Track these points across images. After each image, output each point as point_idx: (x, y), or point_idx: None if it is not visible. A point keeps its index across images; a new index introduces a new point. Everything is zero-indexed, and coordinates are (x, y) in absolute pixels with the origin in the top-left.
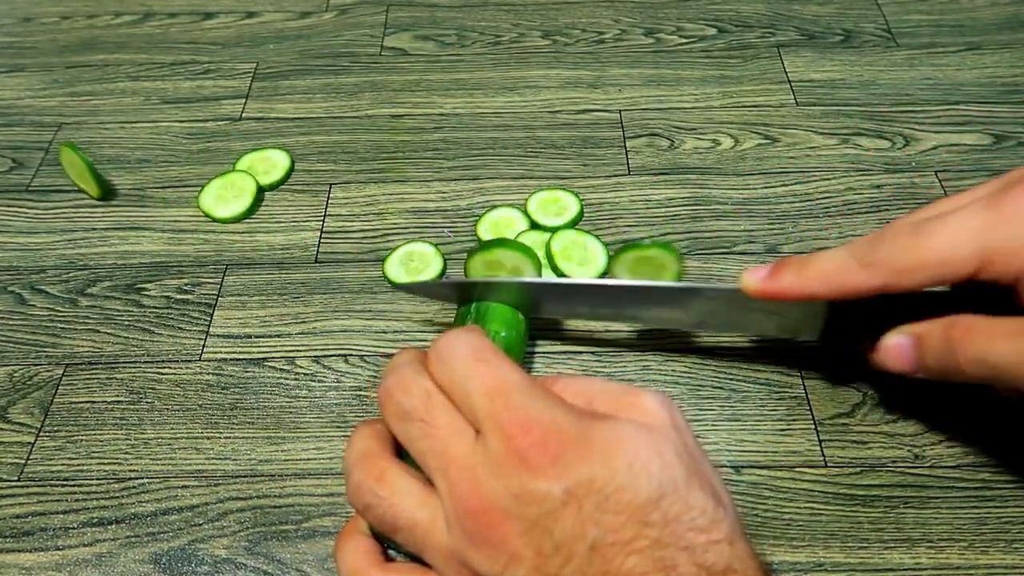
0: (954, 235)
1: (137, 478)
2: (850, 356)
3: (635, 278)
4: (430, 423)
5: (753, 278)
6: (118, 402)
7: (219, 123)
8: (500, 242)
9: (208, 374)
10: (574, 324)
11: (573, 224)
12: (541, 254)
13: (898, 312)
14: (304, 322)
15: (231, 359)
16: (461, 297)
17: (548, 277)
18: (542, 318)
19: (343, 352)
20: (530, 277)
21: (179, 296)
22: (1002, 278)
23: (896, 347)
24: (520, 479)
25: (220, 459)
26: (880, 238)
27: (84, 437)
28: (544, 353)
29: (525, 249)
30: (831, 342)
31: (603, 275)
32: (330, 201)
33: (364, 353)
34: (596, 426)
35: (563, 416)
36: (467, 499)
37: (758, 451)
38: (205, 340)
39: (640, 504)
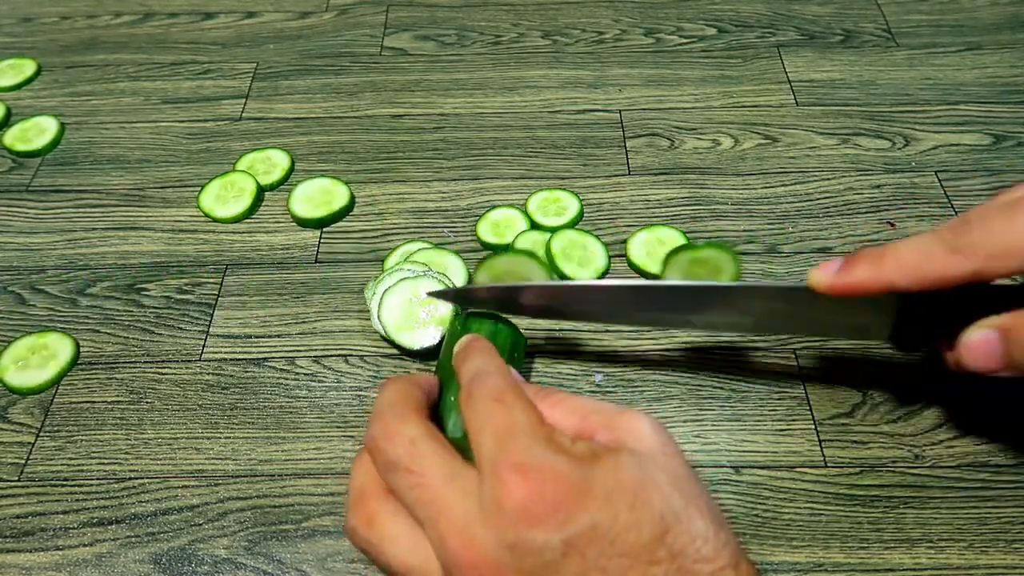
0: None
1: (137, 478)
2: (924, 355)
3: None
4: (416, 472)
5: (823, 273)
6: (118, 402)
7: (219, 123)
8: (506, 249)
9: (208, 374)
10: (574, 325)
11: (573, 224)
12: (541, 254)
13: (977, 307)
14: (304, 322)
15: (231, 359)
16: (495, 303)
17: (596, 279)
18: (572, 320)
19: (343, 352)
20: (585, 279)
21: (179, 296)
22: None
23: (982, 343)
24: (516, 530)
25: (220, 459)
26: (967, 221)
27: (84, 437)
28: (545, 353)
29: (531, 255)
30: (904, 342)
31: (649, 277)
32: None
33: (364, 353)
34: (595, 467)
35: (564, 462)
36: (458, 552)
37: (758, 451)
38: (205, 340)
39: (645, 543)
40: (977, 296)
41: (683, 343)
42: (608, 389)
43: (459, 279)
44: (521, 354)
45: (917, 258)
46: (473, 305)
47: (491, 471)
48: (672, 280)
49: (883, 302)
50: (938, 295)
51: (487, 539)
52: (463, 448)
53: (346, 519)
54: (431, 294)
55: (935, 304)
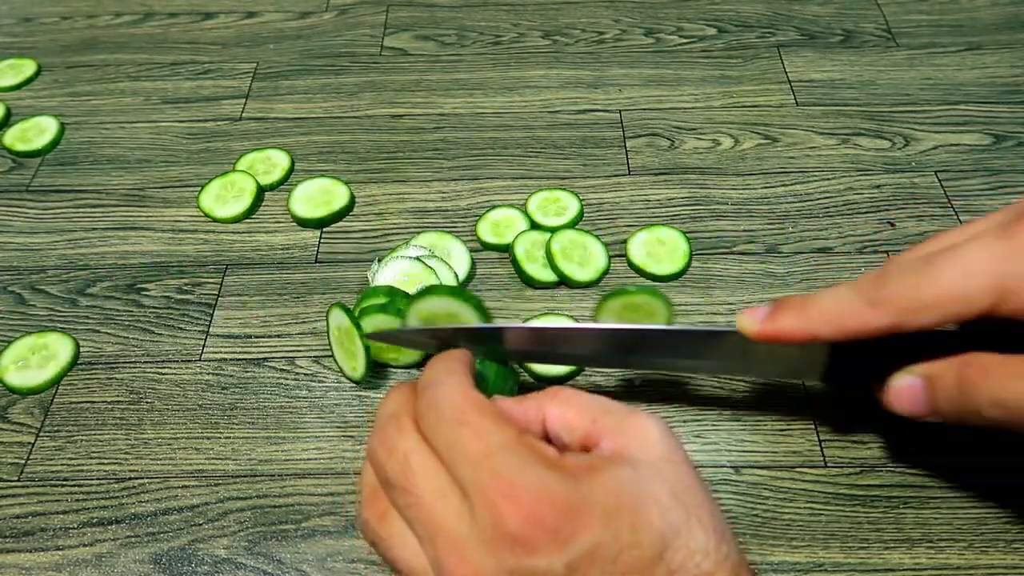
0: (967, 268)
1: (137, 478)
2: (857, 398)
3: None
4: (411, 491)
5: (750, 319)
6: (118, 402)
7: (219, 123)
8: (431, 290)
9: (208, 374)
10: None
11: (573, 224)
12: (541, 253)
13: (906, 351)
14: (304, 322)
15: (231, 359)
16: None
17: (521, 323)
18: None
19: None
20: (504, 323)
21: (179, 296)
22: (1020, 314)
23: (906, 389)
24: (515, 557)
25: (220, 459)
26: (886, 274)
27: (84, 437)
28: None
29: (459, 294)
30: (837, 385)
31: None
32: None
33: None
34: (593, 484)
35: (556, 479)
36: (454, 574)
37: (758, 451)
38: (205, 340)
39: (646, 560)
40: (905, 341)
41: None
42: (608, 389)
43: (461, 265)
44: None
45: (837, 309)
46: (407, 346)
47: (480, 497)
48: (604, 324)
49: (814, 347)
50: (868, 340)
51: (484, 563)
52: None
53: (359, 511)
54: (369, 336)
55: (864, 349)
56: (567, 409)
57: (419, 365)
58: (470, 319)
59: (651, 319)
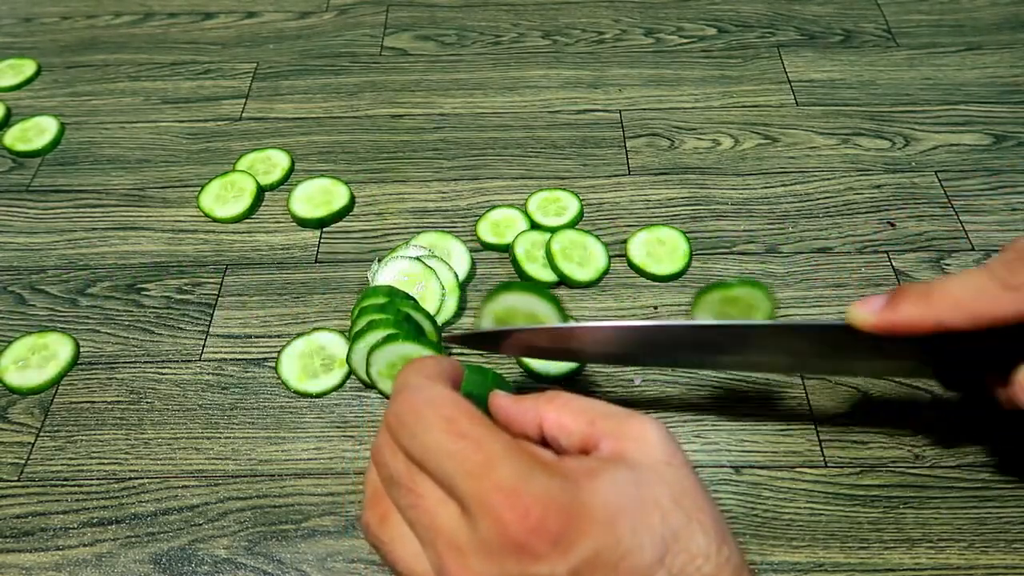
0: None
1: (137, 478)
2: (973, 396)
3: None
4: (414, 491)
5: (866, 311)
6: (118, 402)
7: (219, 123)
8: (507, 286)
9: (208, 374)
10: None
11: (573, 224)
12: (541, 253)
13: None
14: (304, 322)
15: (231, 359)
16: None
17: (620, 322)
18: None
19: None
20: (606, 322)
21: (179, 296)
22: None
23: None
24: (519, 564)
25: (220, 459)
26: (1021, 258)
27: (84, 437)
28: None
29: (538, 290)
30: (951, 380)
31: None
32: None
33: None
34: (593, 488)
35: (557, 485)
36: None
37: (758, 451)
38: (205, 340)
39: (647, 564)
40: None
41: None
42: (608, 390)
43: (461, 265)
44: None
45: (969, 295)
46: (488, 350)
47: (481, 508)
48: (701, 320)
49: (928, 340)
50: (988, 331)
51: (486, 570)
52: None
53: (362, 513)
54: (448, 339)
55: (984, 340)
56: (564, 413)
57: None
58: (550, 318)
59: (751, 314)
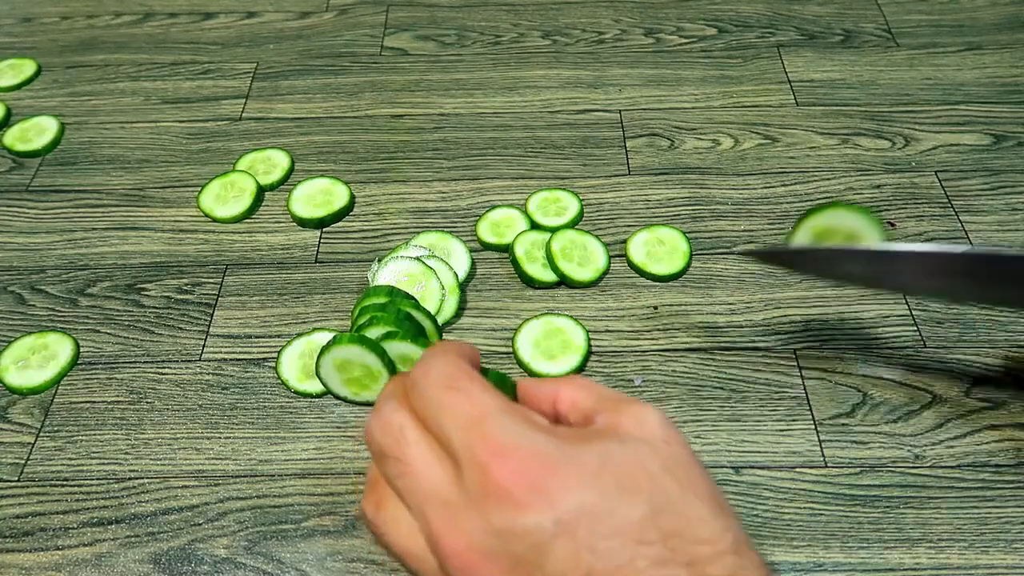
0: None
1: (137, 478)
2: None
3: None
4: (402, 460)
5: None
6: (118, 402)
7: (219, 123)
8: (834, 204)
9: (208, 374)
10: (569, 311)
11: (573, 224)
12: (541, 254)
13: None
14: (304, 322)
15: (231, 359)
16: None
17: (902, 244)
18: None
19: None
20: (879, 243)
21: (179, 296)
22: None
23: None
24: (503, 514)
25: (220, 459)
26: None
27: (84, 437)
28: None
29: (862, 211)
30: None
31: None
32: None
33: None
34: (582, 448)
35: (544, 441)
36: (445, 539)
37: (758, 451)
38: (205, 340)
39: (635, 522)
40: None
41: (683, 343)
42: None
43: (461, 265)
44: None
45: None
46: (784, 267)
47: (469, 459)
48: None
49: None
50: None
51: (473, 526)
52: None
53: (361, 502)
54: (748, 252)
55: None
56: (578, 391)
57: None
58: (872, 239)
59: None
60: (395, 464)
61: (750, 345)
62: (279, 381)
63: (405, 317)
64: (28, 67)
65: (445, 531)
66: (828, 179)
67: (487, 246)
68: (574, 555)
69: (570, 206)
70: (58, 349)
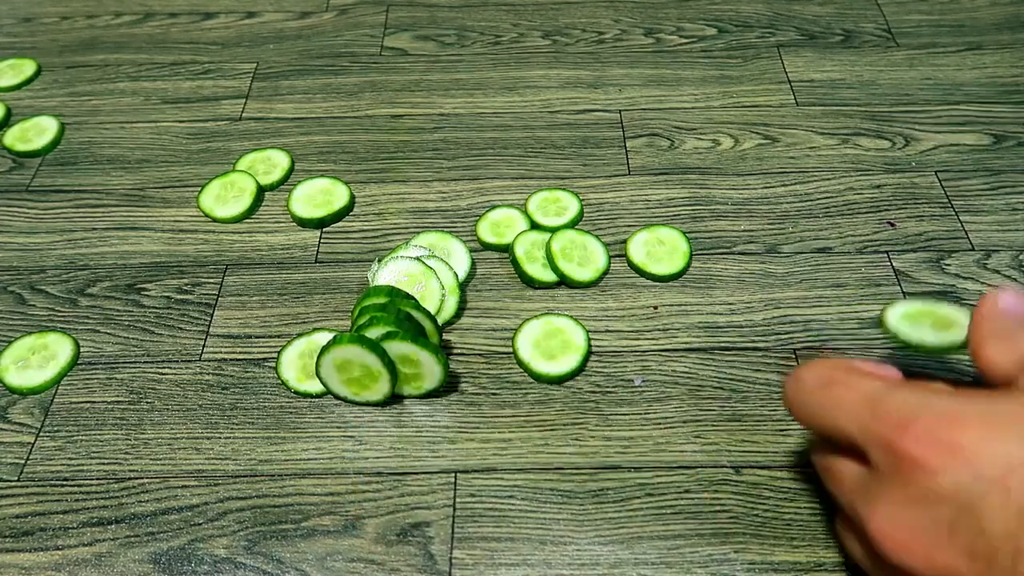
0: None
1: (137, 478)
2: None
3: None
4: (827, 467)
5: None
6: (118, 402)
7: (219, 123)
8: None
9: (208, 374)
10: (570, 310)
11: (573, 224)
12: (541, 254)
13: None
14: (304, 322)
15: (231, 359)
16: None
17: None
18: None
19: None
20: None
21: (179, 296)
22: None
23: None
24: (918, 483)
25: (220, 459)
26: None
27: (84, 437)
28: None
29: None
30: None
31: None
32: None
33: None
34: (996, 401)
35: (948, 402)
36: (871, 524)
37: (758, 451)
38: (205, 340)
39: None
40: None
41: (683, 343)
42: (608, 390)
43: (461, 265)
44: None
45: None
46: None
47: (873, 443)
48: None
49: None
50: None
51: (893, 503)
52: None
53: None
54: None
55: None
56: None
57: (435, 392)
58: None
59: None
60: (823, 472)
61: (750, 345)
62: (279, 381)
63: (405, 317)
64: (28, 67)
65: (868, 516)
66: (828, 179)
67: (487, 246)
68: (1013, 508)
69: (570, 206)
70: (58, 349)
